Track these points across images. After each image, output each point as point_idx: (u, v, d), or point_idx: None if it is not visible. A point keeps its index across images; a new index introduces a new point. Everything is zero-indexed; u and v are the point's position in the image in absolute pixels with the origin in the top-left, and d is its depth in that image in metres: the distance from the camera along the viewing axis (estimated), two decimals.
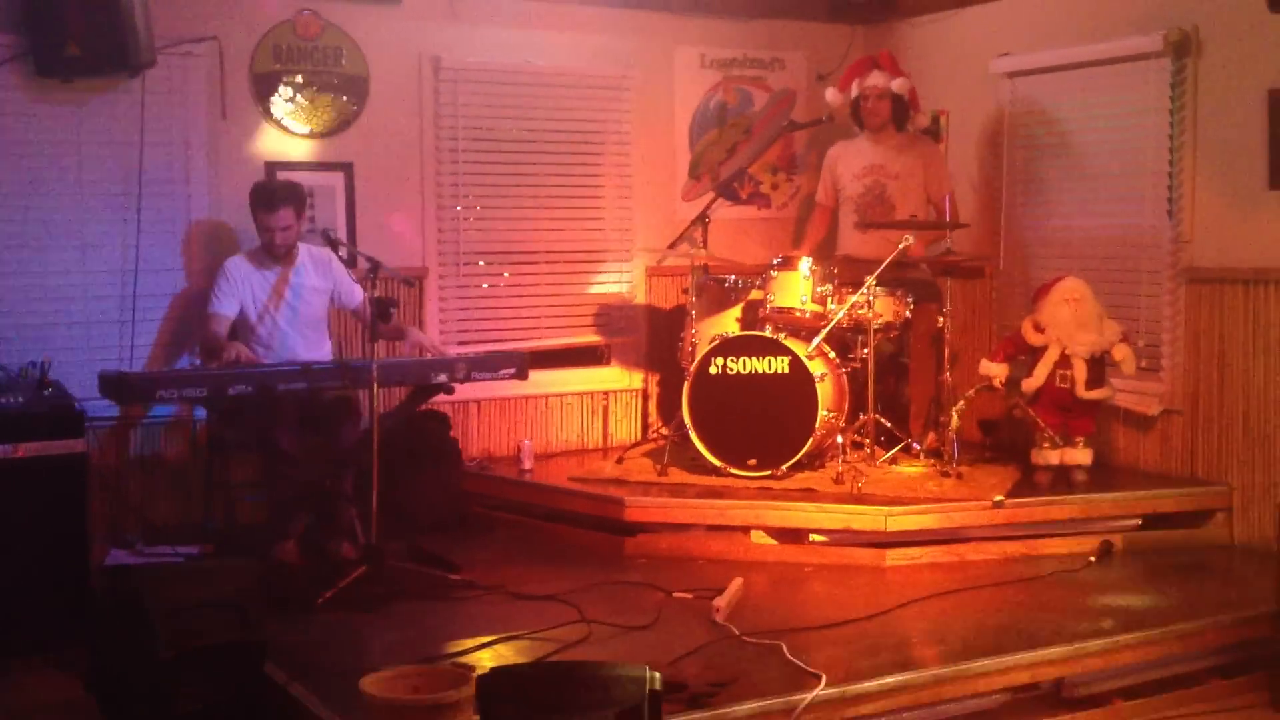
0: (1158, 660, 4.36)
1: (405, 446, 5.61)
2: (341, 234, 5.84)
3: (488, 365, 5.23)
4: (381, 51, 6.05)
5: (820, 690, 3.73)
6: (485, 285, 6.44)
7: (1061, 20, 6.18)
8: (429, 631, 4.35)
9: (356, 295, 5.49)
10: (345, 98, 5.98)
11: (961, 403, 5.71)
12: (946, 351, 5.88)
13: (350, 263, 5.43)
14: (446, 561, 5.02)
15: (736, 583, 4.70)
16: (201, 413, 5.57)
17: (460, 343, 6.27)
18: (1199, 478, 5.64)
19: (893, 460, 5.81)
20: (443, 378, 5.11)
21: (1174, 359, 5.75)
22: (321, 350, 5.50)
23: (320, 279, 5.47)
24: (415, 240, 6.20)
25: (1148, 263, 5.86)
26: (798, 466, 5.59)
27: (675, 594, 4.73)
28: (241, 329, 5.35)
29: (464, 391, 5.44)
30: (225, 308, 5.30)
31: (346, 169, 5.99)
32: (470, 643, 4.15)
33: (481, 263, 6.41)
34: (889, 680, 3.88)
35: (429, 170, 6.22)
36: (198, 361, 5.48)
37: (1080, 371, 5.60)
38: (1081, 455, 5.67)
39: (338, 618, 4.46)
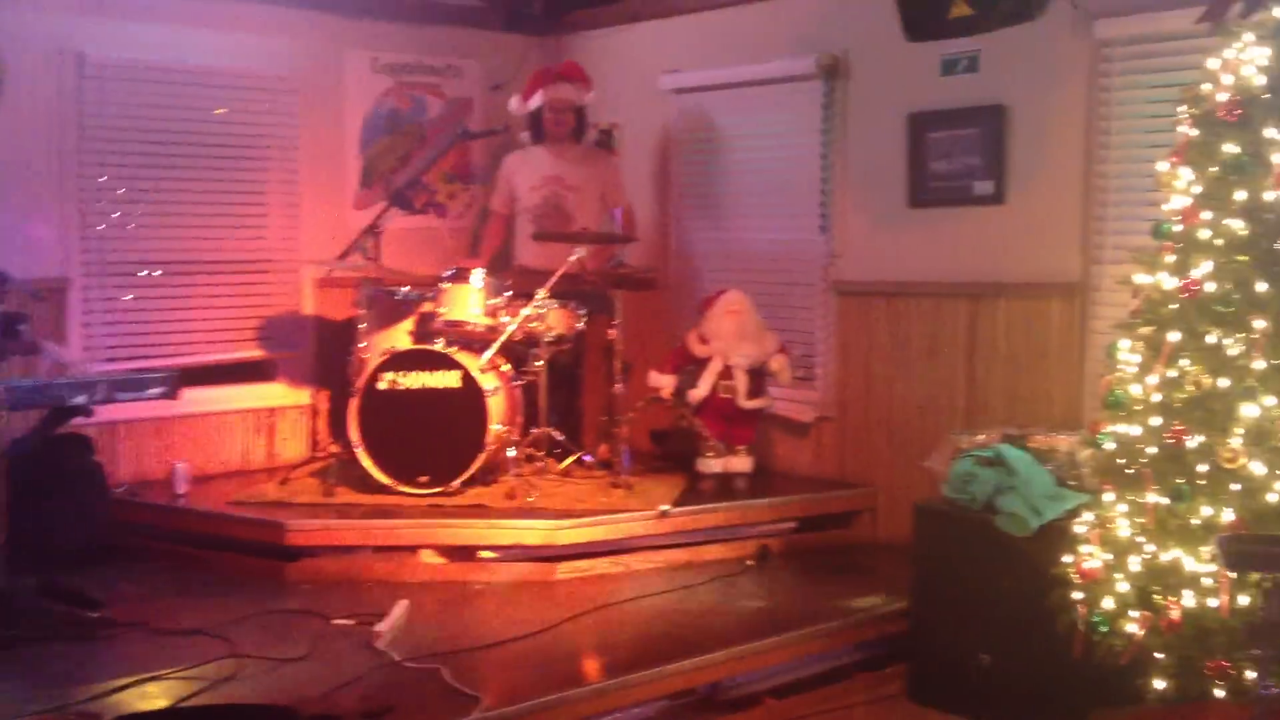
0: (806, 658, 4.54)
1: (39, 474, 5.19)
2: None
3: (132, 385, 4.86)
4: (16, 44, 5.58)
5: (479, 713, 3.67)
6: (130, 296, 6.02)
7: (725, 40, 6.38)
8: (58, 676, 4.00)
9: None
10: None
11: (631, 414, 5.79)
12: (618, 363, 5.95)
13: None
14: (85, 598, 4.61)
15: (401, 605, 4.58)
16: None
17: (110, 359, 5.86)
18: (848, 481, 5.91)
19: (566, 473, 5.83)
20: (80, 399, 4.75)
21: (826, 368, 6.02)
22: None
23: None
24: (56, 249, 5.76)
25: (803, 276, 6.12)
26: (471, 482, 5.51)
27: (335, 621, 4.56)
28: None
29: (110, 411, 5.10)
30: None
31: None
32: (103, 687, 3.85)
33: (145, 273, 6.03)
34: (549, 697, 3.86)
35: (71, 173, 5.78)
36: None
37: (742, 382, 5.78)
38: (743, 463, 5.86)
39: None
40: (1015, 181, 5.28)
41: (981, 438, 4.64)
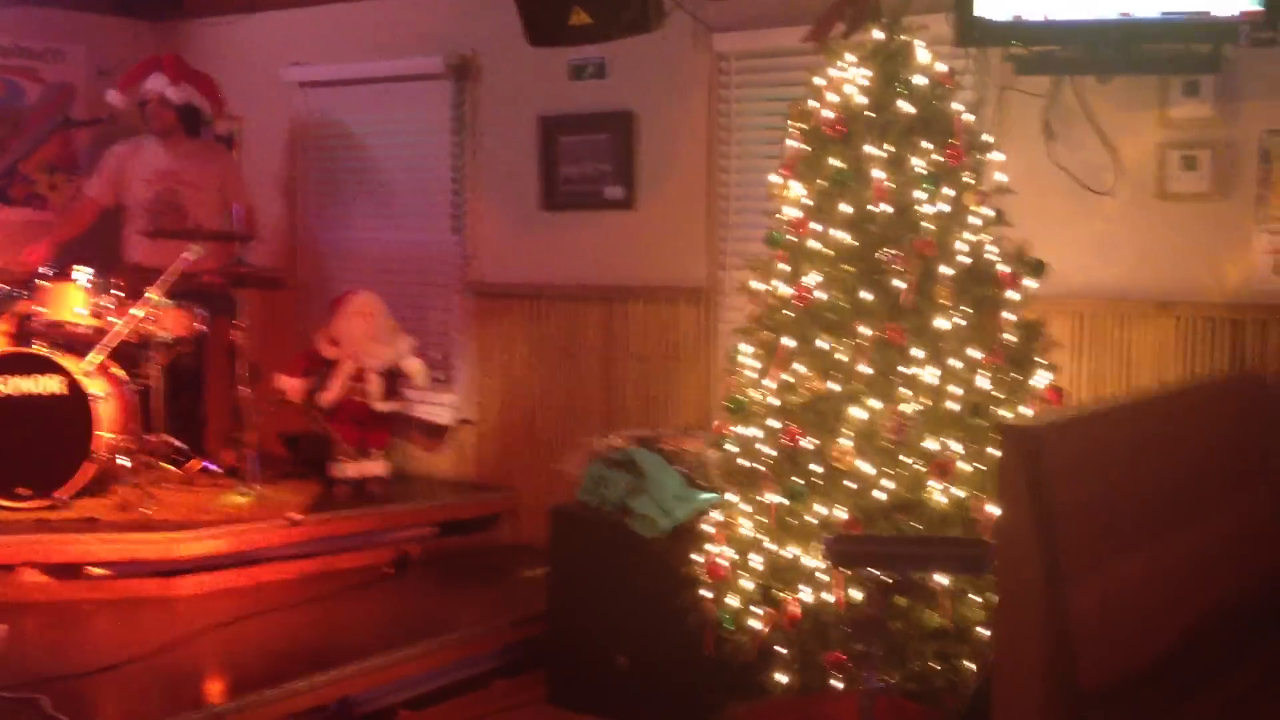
0: (443, 667, 4.49)
1: None
2: None
3: None
4: None
5: None
6: None
7: (352, 34, 6.22)
8: None
9: None
10: None
11: (258, 418, 5.57)
12: (244, 366, 5.70)
13: None
14: None
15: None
16: None
17: None
18: (488, 484, 5.91)
19: (188, 481, 5.55)
20: None
21: (465, 371, 5.99)
22: None
23: None
24: None
25: (439, 277, 6.07)
26: (81, 494, 5.15)
27: None
28: None
29: None
30: None
31: None
32: None
33: None
34: None
35: None
36: None
37: (374, 385, 5.68)
38: (378, 467, 5.75)
39: None
40: (644, 187, 5.42)
41: (615, 440, 4.73)
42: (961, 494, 3.61)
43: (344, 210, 6.39)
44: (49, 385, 5.13)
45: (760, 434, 3.84)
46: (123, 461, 5.28)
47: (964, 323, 3.73)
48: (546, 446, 5.68)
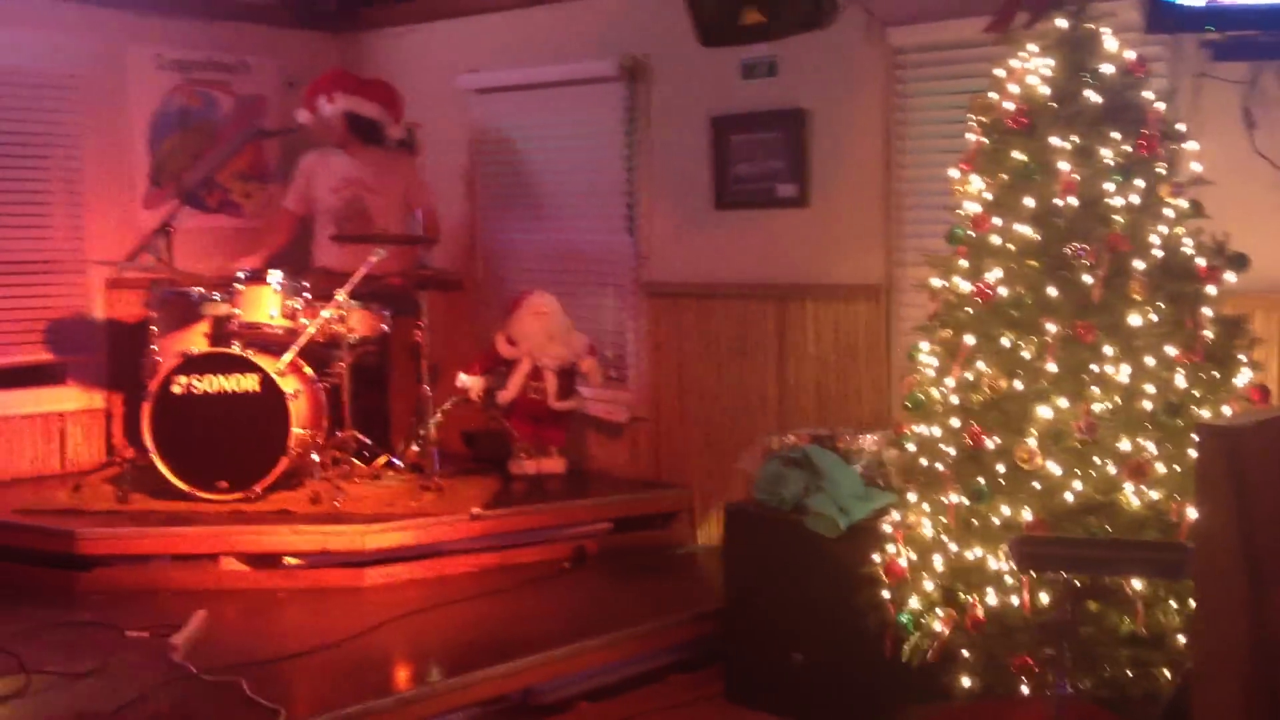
0: (621, 661, 4.54)
1: None
2: None
3: None
4: None
5: None
6: None
7: (524, 40, 6.33)
8: None
9: None
10: None
11: (439, 415, 5.72)
12: (425, 364, 5.86)
13: None
14: None
15: (199, 615, 4.43)
16: None
17: None
18: (663, 482, 5.93)
19: (374, 476, 5.72)
20: None
21: (639, 369, 6.04)
22: None
23: None
24: None
25: (612, 277, 6.13)
26: (275, 488, 5.35)
27: (129, 633, 4.38)
28: None
29: None
30: None
31: None
32: None
33: None
34: (355, 708, 3.77)
35: None
36: None
37: (551, 383, 5.78)
38: (555, 464, 5.85)
39: None
40: (818, 184, 5.38)
41: (791, 439, 4.72)
42: (1156, 496, 3.50)
43: (519, 212, 6.50)
44: (246, 384, 5.32)
45: (941, 433, 3.78)
46: (313, 457, 5.48)
47: (1158, 319, 3.61)
48: (720, 444, 5.68)
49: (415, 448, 5.89)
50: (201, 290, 5.70)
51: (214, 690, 3.86)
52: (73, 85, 6.19)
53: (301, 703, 3.76)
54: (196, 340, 5.69)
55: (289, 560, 5.08)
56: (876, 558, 3.93)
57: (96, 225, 6.28)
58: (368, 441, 5.77)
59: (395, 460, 5.87)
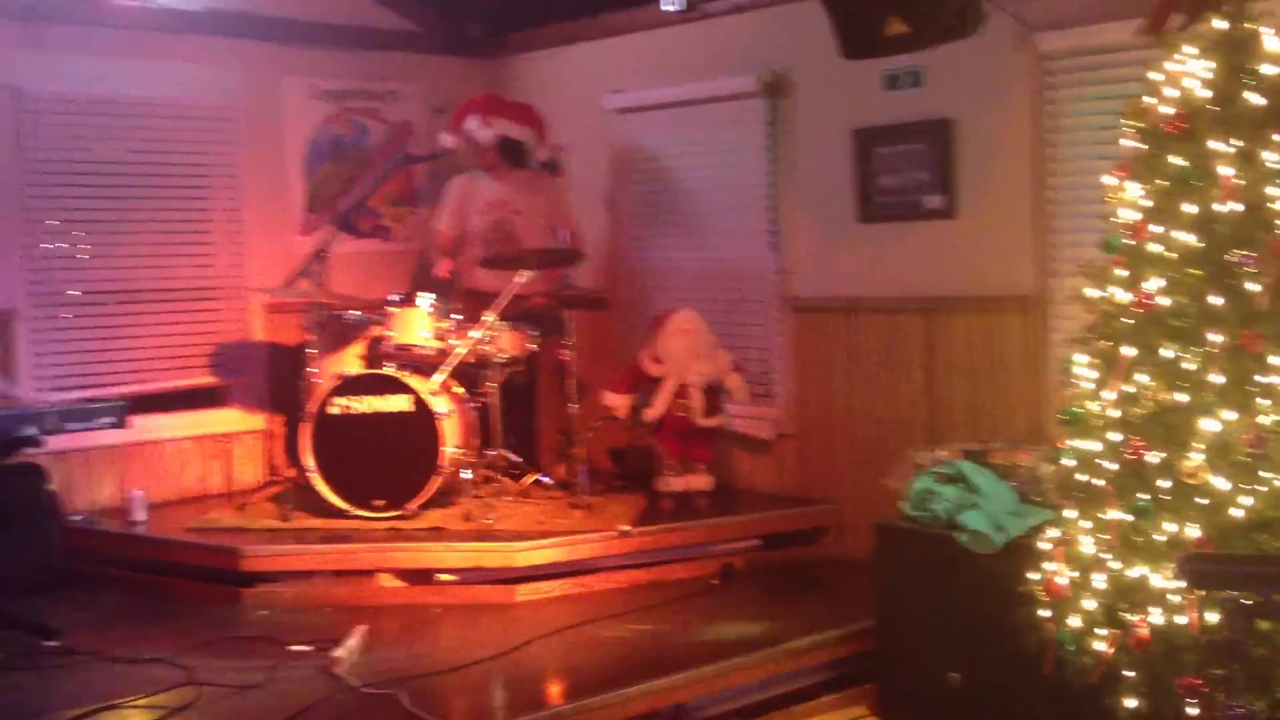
0: (772, 678, 4.52)
1: None
2: None
3: (81, 415, 4.82)
4: None
5: None
6: (75, 323, 5.98)
7: (665, 59, 6.38)
8: (12, 707, 3.96)
9: None
10: None
11: (588, 434, 5.77)
12: (573, 383, 5.93)
13: None
14: (41, 626, 4.59)
15: (359, 630, 4.55)
16: None
17: (60, 389, 5.79)
18: (811, 498, 5.90)
19: (524, 494, 5.80)
20: (29, 430, 4.68)
21: (784, 385, 6.02)
22: None
23: None
24: (1, 281, 5.70)
25: (755, 293, 6.13)
26: (428, 505, 5.47)
27: (292, 647, 4.52)
28: None
29: (65, 440, 5.02)
30: None
31: None
32: (59, 717, 3.82)
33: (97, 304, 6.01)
34: None
35: (13, 206, 5.74)
36: None
37: (697, 400, 5.79)
38: (703, 481, 5.86)
39: None
40: (966, 195, 5.31)
41: (942, 454, 4.64)
42: None
43: (662, 230, 6.55)
44: (399, 404, 5.45)
45: (1100, 447, 3.68)
46: (465, 475, 5.58)
47: None
48: (867, 460, 5.62)
49: (563, 466, 5.96)
50: (356, 313, 5.87)
51: (374, 703, 3.96)
52: (231, 117, 6.42)
53: (458, 716, 3.85)
54: (351, 362, 5.85)
55: (443, 576, 5.18)
56: (1035, 575, 3.84)
57: (256, 252, 6.50)
58: (517, 460, 5.86)
59: (544, 478, 5.95)
